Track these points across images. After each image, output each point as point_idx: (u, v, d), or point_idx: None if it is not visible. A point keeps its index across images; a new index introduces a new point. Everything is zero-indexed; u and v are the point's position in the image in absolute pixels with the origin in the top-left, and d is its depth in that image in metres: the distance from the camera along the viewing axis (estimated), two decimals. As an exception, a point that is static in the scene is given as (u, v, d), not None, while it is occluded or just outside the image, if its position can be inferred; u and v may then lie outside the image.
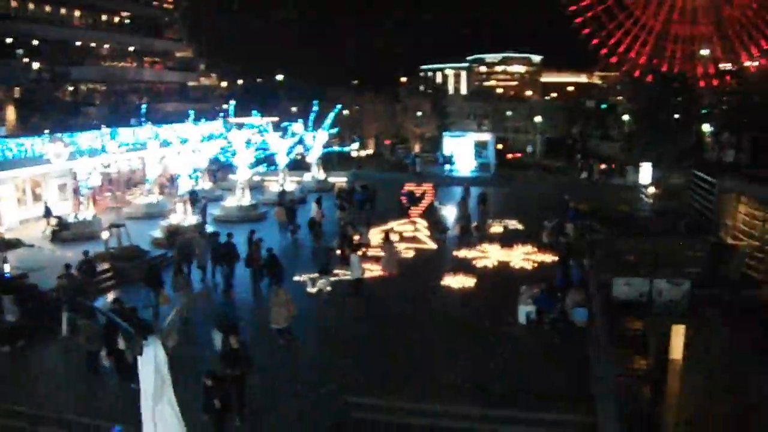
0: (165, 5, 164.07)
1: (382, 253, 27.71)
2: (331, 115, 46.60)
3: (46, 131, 37.13)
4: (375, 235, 31.69)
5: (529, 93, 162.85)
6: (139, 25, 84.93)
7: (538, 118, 66.73)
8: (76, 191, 35.35)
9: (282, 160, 43.20)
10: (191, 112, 43.51)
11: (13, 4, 68.83)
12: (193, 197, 36.87)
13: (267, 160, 42.81)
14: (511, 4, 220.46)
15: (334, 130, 48.44)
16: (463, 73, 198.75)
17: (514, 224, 35.67)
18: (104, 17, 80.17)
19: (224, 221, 36.25)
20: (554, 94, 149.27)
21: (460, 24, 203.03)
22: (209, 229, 33.81)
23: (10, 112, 46.40)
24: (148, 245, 30.98)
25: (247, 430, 14.91)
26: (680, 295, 20.87)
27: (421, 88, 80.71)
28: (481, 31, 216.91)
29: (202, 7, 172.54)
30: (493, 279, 25.86)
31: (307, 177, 48.24)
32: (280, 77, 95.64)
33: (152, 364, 10.56)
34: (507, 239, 31.87)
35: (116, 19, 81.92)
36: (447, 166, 54.15)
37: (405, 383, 16.76)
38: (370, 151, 66.46)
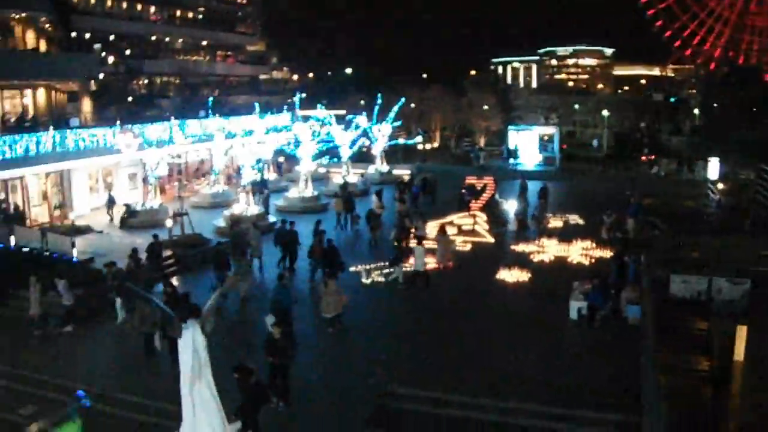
0: (239, 0, 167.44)
1: (436, 246, 27.72)
2: (395, 108, 46.68)
3: (118, 122, 38.22)
4: (433, 228, 31.71)
5: (600, 86, 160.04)
6: (213, 19, 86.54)
7: (605, 112, 65.48)
8: (145, 180, 36.40)
9: (345, 153, 43.54)
10: (256, 105, 44.08)
11: (92, 0, 71.17)
12: (260, 188, 37.89)
13: (330, 153, 43.36)
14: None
15: (398, 123, 48.53)
16: (534, 67, 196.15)
17: (574, 219, 35.34)
18: (178, 12, 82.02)
19: (287, 212, 36.73)
20: (626, 88, 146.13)
21: (532, 17, 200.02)
22: (271, 219, 34.52)
23: (86, 104, 47.87)
24: (211, 234, 31.84)
25: (287, 417, 15.21)
26: (740, 294, 19.88)
27: (489, 81, 79.24)
28: (552, 23, 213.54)
29: (275, 2, 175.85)
30: (548, 274, 25.59)
31: (370, 169, 48.57)
32: (348, 70, 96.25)
33: (190, 347, 10.91)
34: (566, 234, 31.47)
35: (190, 14, 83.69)
36: (511, 160, 53.65)
37: (452, 376, 16.75)
38: (436, 145, 66.34)
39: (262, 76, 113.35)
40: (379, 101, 46.52)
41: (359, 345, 19.51)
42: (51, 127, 35.37)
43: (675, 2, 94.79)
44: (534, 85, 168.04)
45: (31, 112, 42.87)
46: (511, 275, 25.35)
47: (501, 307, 22.11)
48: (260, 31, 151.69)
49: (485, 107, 66.98)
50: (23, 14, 42.45)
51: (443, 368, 17.29)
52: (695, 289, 20.31)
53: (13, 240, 26.04)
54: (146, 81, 76.93)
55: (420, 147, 63.59)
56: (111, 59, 58.53)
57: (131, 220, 34.34)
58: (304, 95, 47.53)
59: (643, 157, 58.93)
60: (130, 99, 67.13)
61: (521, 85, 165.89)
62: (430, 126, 66.41)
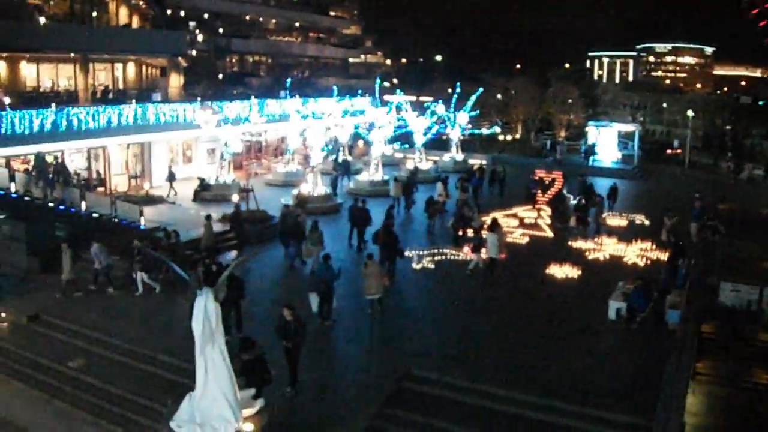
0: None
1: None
2: (473, 98, 46.45)
3: (199, 99, 39.39)
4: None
5: (698, 86, 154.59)
6: (307, 1, 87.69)
7: (689, 112, 63.42)
8: (221, 156, 37.43)
9: (419, 139, 43.64)
10: (335, 88, 44.56)
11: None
12: (343, 169, 38.83)
13: (405, 138, 43.60)
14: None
15: (475, 113, 48.20)
16: (631, 62, 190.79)
17: (641, 219, 34.40)
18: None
19: (356, 195, 37.02)
20: (726, 89, 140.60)
21: (631, 11, 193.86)
22: (338, 200, 35.04)
23: (174, 80, 49.46)
24: (278, 211, 32.47)
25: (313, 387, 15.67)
26: None
27: (574, 74, 77.70)
28: (652, 19, 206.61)
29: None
30: (600, 272, 24.92)
31: (445, 157, 48.50)
32: (438, 57, 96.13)
33: (202, 312, 11.36)
34: (628, 234, 30.63)
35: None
36: (591, 156, 52.50)
37: (475, 365, 16.77)
38: (518, 136, 65.65)
39: (355, 60, 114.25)
40: (458, 90, 46.33)
41: (393, 327, 19.63)
42: (133, 101, 36.73)
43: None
44: (630, 80, 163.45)
45: (120, 85, 44.76)
46: (561, 271, 24.86)
47: (542, 301, 21.82)
48: (356, 15, 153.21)
49: (569, 101, 65.87)
50: (117, -10, 44.08)
51: (468, 357, 17.33)
52: (746, 298, 19.55)
53: (84, 205, 27.26)
54: (237, 59, 78.78)
55: (501, 138, 63.05)
56: (200, 37, 59.88)
57: (204, 193, 35.38)
58: (387, 80, 47.67)
59: (726, 161, 57.04)
60: (220, 77, 69.14)
61: (617, 80, 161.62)
62: (513, 117, 65.67)
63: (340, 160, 41.70)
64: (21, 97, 36.81)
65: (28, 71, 39.94)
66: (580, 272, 24.89)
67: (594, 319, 20.07)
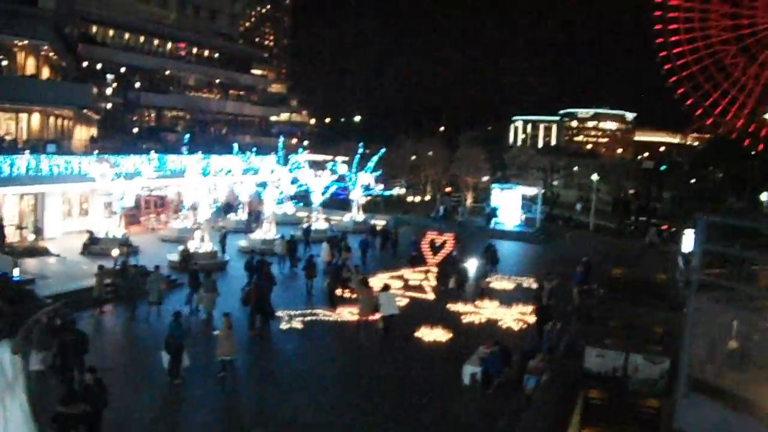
0: (265, 41, 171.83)
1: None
2: (375, 158, 48.07)
3: (96, 152, 39.96)
4: (384, 281, 32.48)
5: (619, 151, 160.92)
6: (228, 59, 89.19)
7: (594, 176, 66.20)
8: (112, 209, 37.91)
9: (316, 198, 44.90)
10: (234, 144, 45.73)
11: (110, 32, 74.15)
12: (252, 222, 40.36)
13: (301, 197, 44.88)
14: (606, 59, 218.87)
15: (377, 173, 49.69)
16: (554, 127, 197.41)
17: (529, 283, 34.83)
18: (195, 50, 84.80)
19: (248, 252, 37.75)
20: (646, 154, 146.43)
21: (555, 77, 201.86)
22: (225, 258, 35.83)
23: (81, 132, 50.00)
24: (166, 267, 33.08)
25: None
26: (658, 373, 19.43)
27: (482, 137, 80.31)
28: (574, 85, 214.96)
29: (301, 45, 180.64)
30: (471, 336, 25.19)
31: (346, 217, 49.73)
32: (357, 117, 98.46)
33: (-3, 365, 11.81)
34: (510, 297, 31.57)
35: (206, 53, 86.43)
36: (492, 219, 54.05)
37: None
38: (428, 198, 67.48)
39: (279, 118, 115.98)
40: (361, 150, 48.01)
41: (241, 391, 20.00)
42: (27, 151, 37.13)
43: (698, 70, 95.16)
44: (553, 144, 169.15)
45: (24, 135, 45.05)
46: (430, 334, 25.50)
47: (401, 364, 22.35)
48: (283, 74, 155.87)
49: (484, 163, 68.07)
50: (25, 42, 44.60)
51: (314, 426, 17.70)
52: (611, 364, 19.83)
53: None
54: (155, 114, 79.40)
55: (409, 199, 64.83)
56: (109, 90, 60.53)
57: (92, 246, 35.65)
58: (307, 139, 49.09)
59: (630, 225, 59.47)
60: (135, 130, 69.58)
61: (540, 144, 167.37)
62: (421, 179, 67.67)
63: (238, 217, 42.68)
64: None
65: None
66: (450, 335, 25.42)
67: (452, 383, 20.41)
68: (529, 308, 28.85)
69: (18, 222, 36.87)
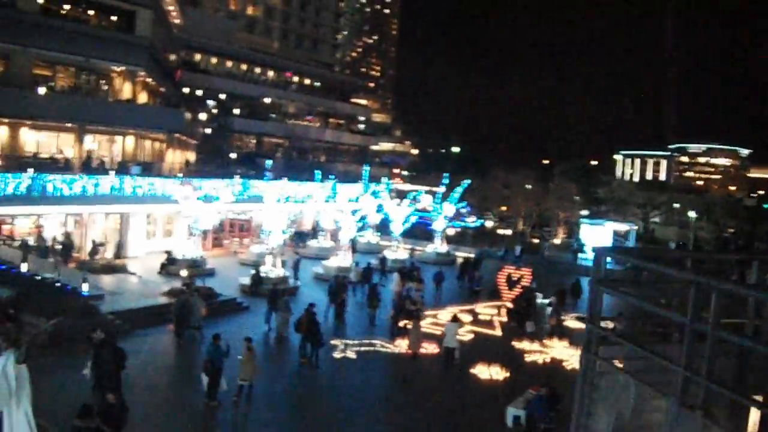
0: (371, 71, 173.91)
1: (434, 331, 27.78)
2: (460, 189, 47.22)
3: (180, 175, 40.76)
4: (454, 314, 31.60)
5: (732, 188, 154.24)
6: (329, 88, 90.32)
7: (691, 213, 63.04)
8: (192, 232, 38.47)
9: (397, 228, 44.30)
10: (316, 172, 45.79)
11: (213, 60, 76.48)
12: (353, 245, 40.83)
13: (383, 226, 44.39)
14: (723, 93, 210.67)
15: (462, 204, 48.75)
16: (664, 162, 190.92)
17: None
18: (296, 78, 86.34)
19: (322, 279, 37.56)
20: (761, 192, 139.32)
21: (666, 111, 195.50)
22: (297, 283, 35.60)
23: (174, 155, 51.41)
24: (235, 289, 33.21)
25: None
26: None
27: (575, 170, 77.48)
28: (686, 119, 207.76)
29: (406, 76, 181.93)
30: (529, 376, 23.68)
31: (428, 248, 48.95)
32: (456, 149, 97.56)
33: (1, 374, 11.83)
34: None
35: (307, 81, 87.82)
36: (578, 255, 52.25)
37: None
38: (519, 230, 65.79)
39: (379, 147, 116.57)
40: (446, 181, 47.31)
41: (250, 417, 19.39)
42: (112, 172, 38.20)
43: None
44: (662, 179, 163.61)
45: (119, 157, 46.56)
46: (487, 371, 24.26)
47: (447, 401, 21.36)
48: (388, 104, 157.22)
49: (576, 197, 66.01)
50: (122, 68, 46.17)
51: None
52: None
53: (24, 267, 28.14)
54: (255, 140, 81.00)
55: (500, 232, 63.48)
56: (204, 116, 62.04)
57: (170, 267, 36.18)
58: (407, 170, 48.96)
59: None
60: (234, 156, 71.09)
61: (649, 179, 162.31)
62: (513, 211, 65.97)
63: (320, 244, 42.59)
64: (19, 162, 38.56)
65: (28, 138, 41.91)
66: (507, 374, 24.21)
67: (496, 424, 19.34)
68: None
69: (101, 240, 37.73)
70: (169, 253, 37.13)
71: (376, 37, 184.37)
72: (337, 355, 25.09)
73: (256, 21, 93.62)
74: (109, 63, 45.45)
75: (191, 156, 63.88)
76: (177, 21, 63.80)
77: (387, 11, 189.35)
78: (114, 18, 46.25)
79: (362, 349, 26.06)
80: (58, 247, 35.28)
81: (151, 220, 42.06)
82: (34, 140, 42.63)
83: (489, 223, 66.24)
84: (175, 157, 53.76)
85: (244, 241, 46.79)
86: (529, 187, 65.74)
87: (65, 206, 35.62)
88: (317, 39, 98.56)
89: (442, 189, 54.43)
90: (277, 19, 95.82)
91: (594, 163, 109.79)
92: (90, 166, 40.47)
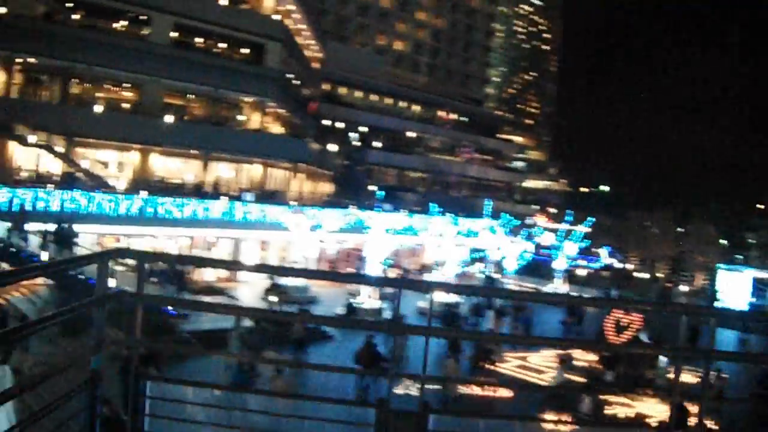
0: (529, 108, 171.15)
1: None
2: (581, 228, 44.80)
3: (294, 204, 41.12)
4: (548, 359, 29.67)
5: None
6: (474, 123, 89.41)
7: None
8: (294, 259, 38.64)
9: (510, 265, 42.52)
10: (431, 205, 44.86)
11: (357, 94, 77.79)
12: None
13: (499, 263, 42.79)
14: None
15: (586, 242, 46.14)
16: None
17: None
18: (440, 113, 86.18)
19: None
20: None
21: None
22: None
23: (296, 183, 52.35)
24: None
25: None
26: None
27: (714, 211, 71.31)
28: None
29: (564, 114, 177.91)
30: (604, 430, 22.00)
31: (548, 288, 46.56)
32: (605, 188, 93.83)
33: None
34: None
35: (452, 116, 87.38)
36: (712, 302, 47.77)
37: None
38: (659, 275, 61.46)
39: (534, 184, 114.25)
40: (570, 218, 45.12)
41: None
42: (225, 197, 39.14)
43: None
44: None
45: (244, 183, 47.94)
46: (550, 425, 22.37)
47: None
48: (545, 142, 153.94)
49: (721, 241, 61.08)
50: (251, 99, 47.65)
51: None
52: None
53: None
54: (396, 173, 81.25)
55: (639, 275, 59.81)
56: (338, 147, 62.79)
57: (273, 292, 36.33)
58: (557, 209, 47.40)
59: None
60: (373, 188, 71.54)
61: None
62: (649, 253, 61.74)
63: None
64: (148, 185, 40.54)
65: (157, 163, 43.99)
66: (576, 426, 22.31)
67: None
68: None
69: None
70: (273, 278, 37.33)
71: (534, 74, 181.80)
72: (399, 390, 23.74)
73: (403, 56, 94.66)
74: (239, 94, 47.02)
75: (327, 187, 64.92)
76: (318, 55, 65.46)
77: (546, 47, 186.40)
78: (244, 50, 47.85)
79: (432, 386, 24.63)
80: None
81: (265, 247, 42.58)
82: (163, 166, 44.63)
83: (629, 266, 62.51)
84: (306, 187, 54.68)
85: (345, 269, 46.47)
86: (656, 230, 61.52)
87: (176, 228, 36.68)
88: (466, 74, 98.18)
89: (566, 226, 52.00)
90: (425, 54, 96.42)
91: (761, 206, 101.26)
92: (217, 193, 41.73)
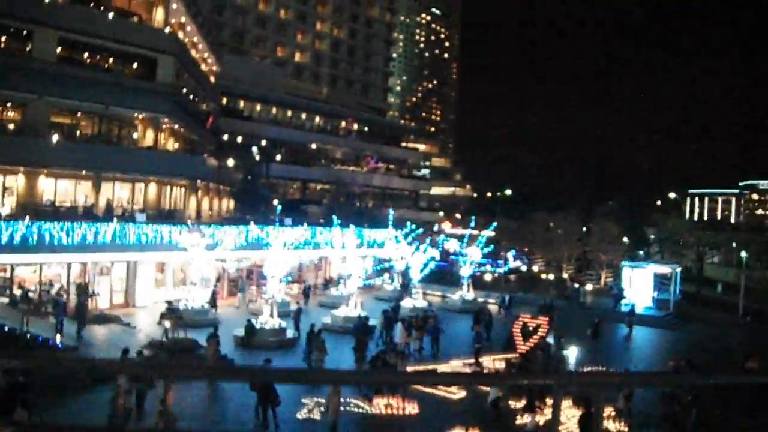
0: (433, 115, 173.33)
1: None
2: (485, 233, 45.21)
3: (189, 223, 39.93)
4: (455, 368, 29.68)
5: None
6: (376, 133, 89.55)
7: (743, 253, 59.05)
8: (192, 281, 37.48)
9: (415, 275, 42.46)
10: (334, 217, 44.41)
11: (257, 107, 76.71)
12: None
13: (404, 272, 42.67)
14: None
15: (489, 248, 46.47)
16: (733, 200, 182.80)
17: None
18: (342, 124, 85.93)
19: (330, 330, 35.68)
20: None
21: (732, 148, 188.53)
22: (294, 335, 33.94)
23: (194, 201, 51.07)
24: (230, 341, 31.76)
25: None
26: None
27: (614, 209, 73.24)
28: (755, 156, 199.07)
29: (466, 120, 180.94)
30: None
31: (455, 295, 46.74)
32: (507, 191, 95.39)
33: None
34: (596, 395, 26.84)
35: (355, 126, 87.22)
36: (620, 301, 48.93)
37: None
38: (564, 276, 62.38)
39: (440, 191, 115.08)
40: (473, 224, 45.53)
41: None
42: (115, 219, 37.65)
43: None
44: (732, 220, 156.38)
45: (141, 204, 46.30)
46: None
47: None
48: (449, 148, 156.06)
49: (624, 239, 62.57)
50: (144, 115, 46.12)
51: None
52: None
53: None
54: (300, 187, 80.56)
55: (545, 276, 60.82)
56: (240, 162, 61.65)
57: (168, 316, 35.05)
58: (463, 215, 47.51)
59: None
60: (275, 203, 70.51)
61: (718, 219, 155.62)
62: (554, 255, 62.67)
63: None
64: (35, 210, 38.53)
65: (45, 186, 41.95)
66: None
67: None
68: (608, 411, 23.59)
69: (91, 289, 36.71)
70: (169, 302, 35.98)
71: (435, 82, 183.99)
72: (300, 415, 23.20)
73: (303, 67, 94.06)
74: (131, 110, 45.43)
75: (228, 203, 63.70)
76: (215, 68, 64.19)
77: (446, 55, 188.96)
78: (135, 65, 46.34)
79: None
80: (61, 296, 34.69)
81: (159, 269, 41.19)
82: (51, 188, 42.65)
83: (535, 268, 63.51)
84: (205, 204, 53.36)
85: (261, 289, 45.47)
86: (560, 231, 62.67)
87: (66, 254, 34.93)
88: (368, 84, 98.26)
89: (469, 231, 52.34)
90: (325, 65, 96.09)
91: (659, 203, 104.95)
92: (111, 214, 40.03)
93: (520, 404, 24.68)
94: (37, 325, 27.85)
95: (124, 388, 21.64)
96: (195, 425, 19.61)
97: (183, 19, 51.60)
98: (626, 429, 23.40)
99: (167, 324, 29.58)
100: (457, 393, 27.15)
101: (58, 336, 26.83)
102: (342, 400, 24.58)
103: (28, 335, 26.79)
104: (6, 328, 26.48)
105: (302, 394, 24.31)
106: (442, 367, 30.11)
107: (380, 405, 24.58)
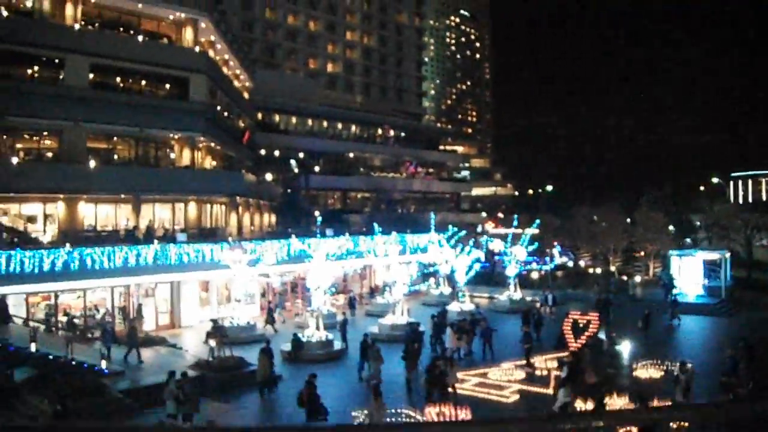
0: (469, 117, 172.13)
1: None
2: (528, 231, 44.15)
3: (226, 239, 39.58)
4: (507, 372, 28.68)
5: None
6: (414, 138, 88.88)
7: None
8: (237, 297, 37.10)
9: (460, 278, 41.57)
10: (375, 225, 43.74)
11: (293, 120, 76.59)
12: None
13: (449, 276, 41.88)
14: None
15: (533, 245, 45.36)
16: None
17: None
18: (379, 131, 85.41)
19: (377, 339, 34.99)
20: None
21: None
22: (341, 346, 33.30)
23: (234, 217, 50.89)
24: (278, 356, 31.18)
25: None
26: None
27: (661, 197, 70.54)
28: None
29: (503, 119, 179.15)
30: None
31: (503, 296, 45.61)
32: (549, 188, 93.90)
33: None
34: (654, 390, 25.29)
35: (391, 133, 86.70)
36: (670, 291, 47.26)
37: None
38: (612, 269, 60.75)
39: (481, 192, 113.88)
40: (516, 223, 44.50)
41: None
42: (155, 240, 37.43)
43: None
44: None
45: (182, 224, 46.17)
46: None
47: None
48: (488, 149, 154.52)
49: (670, 228, 60.63)
50: (179, 135, 46.07)
51: None
52: None
53: (33, 346, 26.73)
54: (340, 196, 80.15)
55: (591, 271, 59.33)
56: (279, 176, 61.41)
57: (215, 335, 34.67)
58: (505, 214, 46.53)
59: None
60: (317, 213, 70.18)
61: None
62: (601, 248, 60.94)
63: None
64: (77, 236, 38.59)
65: (86, 211, 42.04)
66: None
67: None
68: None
69: (134, 312, 36.37)
70: (214, 321, 35.59)
71: (469, 83, 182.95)
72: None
73: (336, 77, 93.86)
74: (166, 131, 45.47)
75: (269, 218, 63.50)
76: (248, 84, 64.14)
77: (478, 56, 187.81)
78: (167, 86, 46.34)
79: (386, 420, 23.37)
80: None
81: (206, 287, 40.92)
82: (92, 213, 42.75)
83: (582, 263, 62.01)
84: (246, 220, 53.17)
85: (294, 304, 44.96)
86: (604, 224, 60.94)
87: (109, 279, 34.81)
88: (401, 90, 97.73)
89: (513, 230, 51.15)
90: (358, 74, 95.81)
91: (702, 188, 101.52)
92: (152, 236, 39.86)
93: (587, 406, 23.50)
94: (82, 351, 27.49)
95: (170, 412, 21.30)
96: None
97: (212, 38, 51.55)
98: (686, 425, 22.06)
99: (212, 343, 29.06)
100: (510, 397, 26.37)
101: (103, 362, 26.45)
102: (393, 410, 23.96)
103: (73, 362, 26.51)
104: (51, 356, 26.28)
105: (351, 406, 23.69)
106: (493, 371, 29.18)
107: (432, 414, 23.76)
